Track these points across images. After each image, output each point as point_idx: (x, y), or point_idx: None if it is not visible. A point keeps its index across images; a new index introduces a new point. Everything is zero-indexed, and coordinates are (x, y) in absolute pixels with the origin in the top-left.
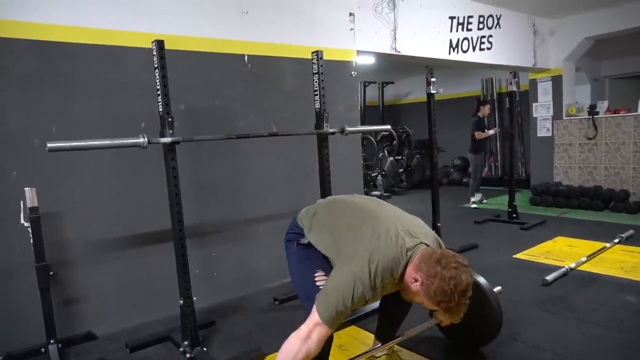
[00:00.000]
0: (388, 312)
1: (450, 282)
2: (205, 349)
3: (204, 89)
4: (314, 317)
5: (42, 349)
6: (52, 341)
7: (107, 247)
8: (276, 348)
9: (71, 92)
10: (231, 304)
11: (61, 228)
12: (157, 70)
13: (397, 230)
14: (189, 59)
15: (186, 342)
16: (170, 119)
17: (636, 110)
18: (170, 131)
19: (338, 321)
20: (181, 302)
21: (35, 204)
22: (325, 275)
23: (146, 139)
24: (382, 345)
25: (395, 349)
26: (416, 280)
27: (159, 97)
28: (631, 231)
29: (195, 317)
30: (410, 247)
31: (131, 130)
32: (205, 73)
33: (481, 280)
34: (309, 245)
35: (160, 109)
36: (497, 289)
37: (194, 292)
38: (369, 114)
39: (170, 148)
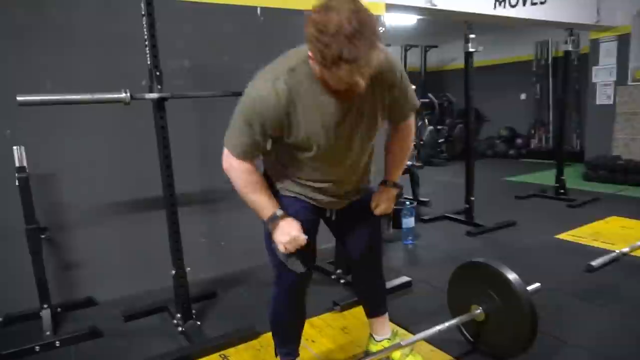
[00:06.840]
0: (363, 285)
1: (314, 20)
2: (199, 322)
3: (211, 44)
4: (224, 149)
5: (40, 313)
6: (45, 306)
7: (108, 211)
8: None
9: (67, 45)
10: (236, 275)
11: (60, 190)
12: (144, 18)
13: None
14: (195, 10)
15: (179, 315)
16: (158, 73)
17: None
18: (159, 86)
19: (244, 147)
20: (173, 272)
21: (24, 164)
22: None
23: (129, 94)
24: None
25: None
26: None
27: (147, 49)
28: None
29: (188, 288)
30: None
31: (132, 88)
32: (213, 26)
33: (511, 275)
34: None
35: (149, 62)
36: (534, 286)
37: (199, 261)
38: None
39: (159, 105)
